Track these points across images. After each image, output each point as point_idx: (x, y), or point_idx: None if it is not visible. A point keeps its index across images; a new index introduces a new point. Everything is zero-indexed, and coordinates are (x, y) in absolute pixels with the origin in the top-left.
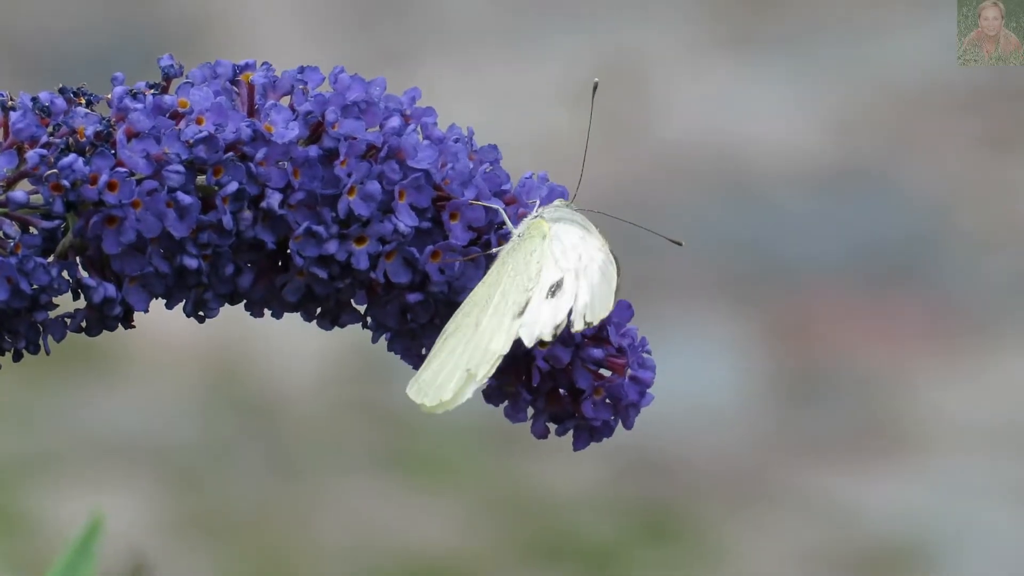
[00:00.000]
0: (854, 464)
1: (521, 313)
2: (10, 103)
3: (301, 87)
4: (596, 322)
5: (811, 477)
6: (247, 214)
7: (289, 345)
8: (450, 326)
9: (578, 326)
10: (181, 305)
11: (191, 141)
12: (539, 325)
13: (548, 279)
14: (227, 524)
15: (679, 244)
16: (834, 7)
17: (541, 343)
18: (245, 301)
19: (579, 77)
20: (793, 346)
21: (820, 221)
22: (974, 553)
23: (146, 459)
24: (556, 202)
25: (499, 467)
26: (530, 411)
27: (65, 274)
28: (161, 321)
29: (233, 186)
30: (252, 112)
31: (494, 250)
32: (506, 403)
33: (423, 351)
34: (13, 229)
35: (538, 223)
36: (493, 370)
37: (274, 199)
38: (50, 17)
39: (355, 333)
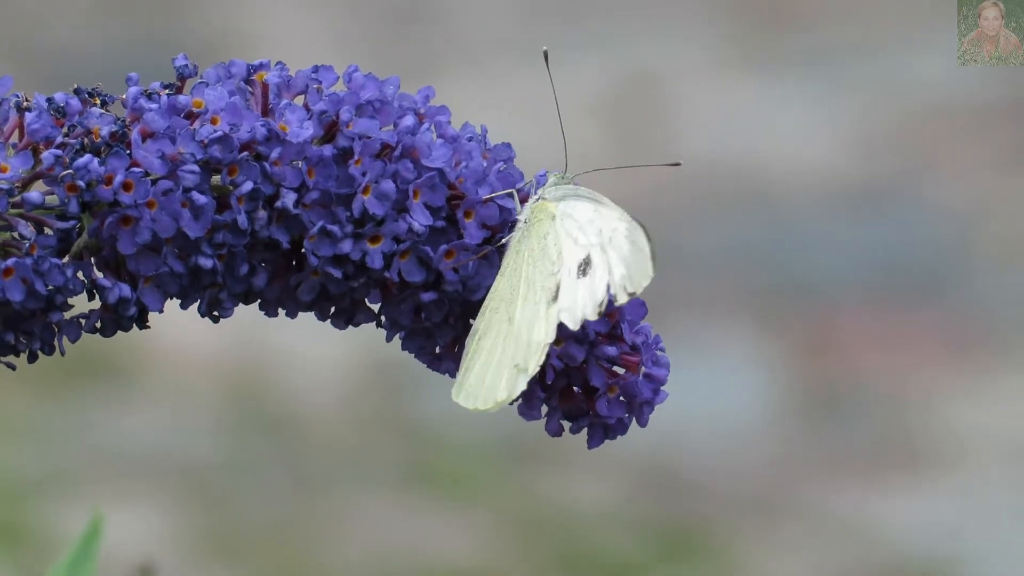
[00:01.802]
0: (877, 481)
1: (555, 298)
2: (25, 104)
3: (315, 86)
4: (639, 292)
5: (833, 494)
6: (262, 214)
7: (310, 359)
8: (480, 325)
9: (621, 299)
10: (196, 306)
11: (206, 141)
12: (579, 306)
13: (572, 258)
14: (247, 540)
15: (677, 164)
16: (855, 24)
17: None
18: (260, 300)
19: (602, 92)
20: (815, 363)
21: (842, 238)
22: (998, 570)
23: (165, 474)
24: (551, 179)
25: (520, 483)
26: (544, 409)
27: (80, 275)
28: (181, 333)
29: (248, 186)
30: (266, 112)
31: (503, 240)
32: (520, 401)
33: (437, 349)
34: (28, 230)
35: (542, 205)
36: (542, 359)
37: (289, 198)
38: (70, 34)
39: (376, 347)
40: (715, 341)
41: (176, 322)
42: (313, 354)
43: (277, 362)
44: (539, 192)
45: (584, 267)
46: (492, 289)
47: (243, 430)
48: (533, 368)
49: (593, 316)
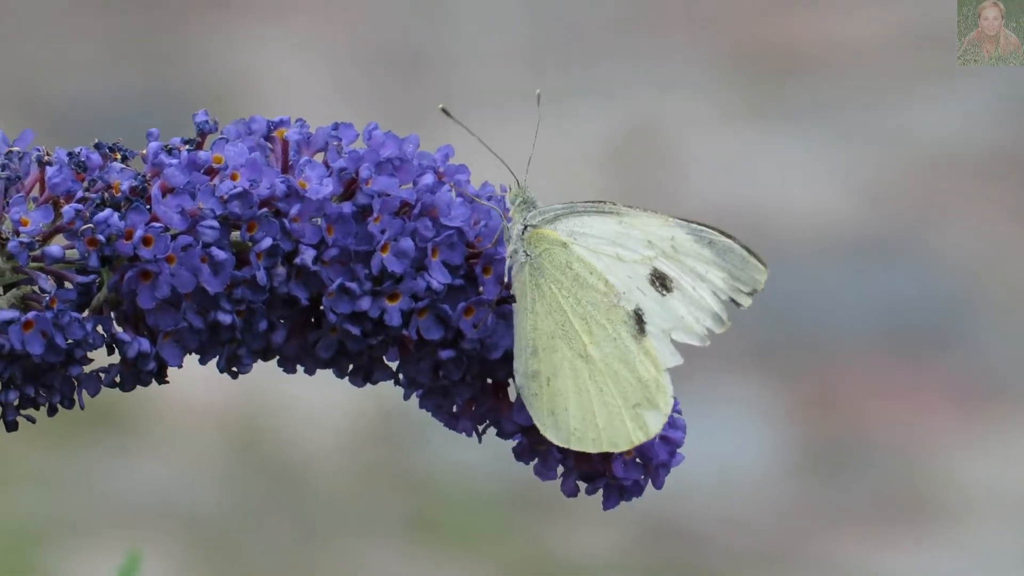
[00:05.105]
0: (884, 535)
1: (641, 330)
2: (46, 158)
3: (335, 144)
4: (761, 288)
5: (839, 547)
6: (281, 270)
7: (314, 409)
8: (537, 367)
9: (745, 303)
10: (214, 361)
11: (226, 197)
12: (693, 321)
13: (631, 277)
14: None
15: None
16: (862, 74)
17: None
18: (278, 357)
19: (607, 141)
20: (822, 415)
21: (849, 289)
22: None
23: (170, 523)
24: (513, 198)
25: (525, 533)
26: (560, 469)
27: (100, 329)
28: (187, 383)
29: (267, 242)
30: (286, 168)
31: (504, 265)
32: (536, 461)
33: (454, 408)
34: (49, 283)
35: (536, 234)
36: (671, 389)
37: (308, 255)
38: (75, 83)
39: (380, 397)
40: (721, 393)
41: (182, 372)
42: (317, 404)
43: (282, 412)
44: (522, 221)
45: (660, 280)
46: (528, 329)
47: (248, 480)
48: (664, 406)
49: (719, 328)
